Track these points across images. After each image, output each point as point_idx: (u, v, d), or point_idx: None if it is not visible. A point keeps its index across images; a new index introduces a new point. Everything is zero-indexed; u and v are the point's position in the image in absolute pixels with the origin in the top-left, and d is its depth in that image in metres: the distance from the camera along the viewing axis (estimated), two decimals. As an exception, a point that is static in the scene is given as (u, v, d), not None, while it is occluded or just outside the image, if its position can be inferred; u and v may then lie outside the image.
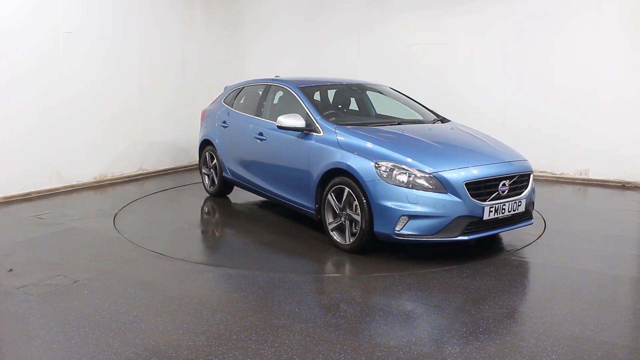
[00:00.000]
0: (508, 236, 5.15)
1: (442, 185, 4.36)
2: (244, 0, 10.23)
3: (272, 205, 6.43)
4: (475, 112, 8.44)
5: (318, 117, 5.25)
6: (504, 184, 4.56)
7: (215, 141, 6.76)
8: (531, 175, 4.88)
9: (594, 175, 7.82)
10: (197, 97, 9.33)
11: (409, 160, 4.49)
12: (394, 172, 4.42)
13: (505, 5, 8.17)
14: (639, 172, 7.50)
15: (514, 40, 8.15)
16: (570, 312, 3.56)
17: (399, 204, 4.35)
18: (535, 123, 8.10)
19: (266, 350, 3.06)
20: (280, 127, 5.32)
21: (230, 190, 6.96)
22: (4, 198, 6.55)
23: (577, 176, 7.94)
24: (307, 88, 5.79)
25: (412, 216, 4.34)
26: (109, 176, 7.88)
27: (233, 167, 6.45)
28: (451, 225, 4.35)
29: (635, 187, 7.45)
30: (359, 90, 6.23)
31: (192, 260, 4.57)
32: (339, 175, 4.78)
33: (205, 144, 7.03)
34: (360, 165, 4.59)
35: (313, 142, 5.13)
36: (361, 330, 3.34)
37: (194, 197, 7.31)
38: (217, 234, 5.67)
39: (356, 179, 4.59)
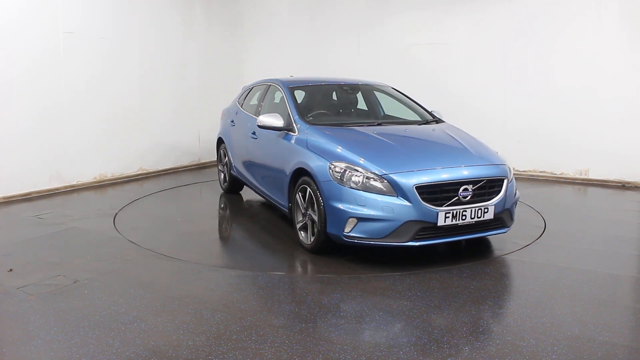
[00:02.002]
0: (508, 236, 5.14)
1: (392, 188, 4.26)
2: (244, 0, 10.24)
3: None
4: (475, 112, 8.44)
5: (296, 117, 5.29)
6: (465, 189, 4.33)
7: (226, 139, 6.98)
8: (505, 181, 4.59)
9: (594, 175, 7.82)
10: (197, 97, 9.36)
11: (362, 161, 4.42)
12: (347, 173, 4.37)
13: (505, 5, 8.17)
14: (639, 172, 7.50)
15: (514, 40, 8.15)
16: (570, 312, 3.56)
17: (348, 205, 4.30)
18: (535, 123, 8.10)
19: (266, 350, 3.06)
20: (259, 126, 5.41)
21: (241, 187, 7.04)
22: (4, 198, 6.55)
23: (577, 176, 7.94)
24: (296, 88, 5.83)
25: (361, 219, 4.26)
26: (109, 176, 7.88)
27: (237, 164, 6.61)
28: (400, 229, 4.21)
29: (635, 187, 7.45)
30: (350, 90, 6.20)
31: (192, 260, 4.57)
32: (304, 175, 4.78)
33: (220, 142, 7.27)
34: (317, 165, 4.59)
35: (288, 141, 5.19)
36: (361, 330, 3.34)
37: (194, 197, 7.33)
38: (218, 234, 5.67)
39: (314, 179, 4.59)
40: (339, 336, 3.24)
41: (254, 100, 6.57)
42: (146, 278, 4.19)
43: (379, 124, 5.40)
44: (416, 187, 4.23)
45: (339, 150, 4.61)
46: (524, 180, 8.08)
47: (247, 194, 7.05)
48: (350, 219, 4.29)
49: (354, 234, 4.32)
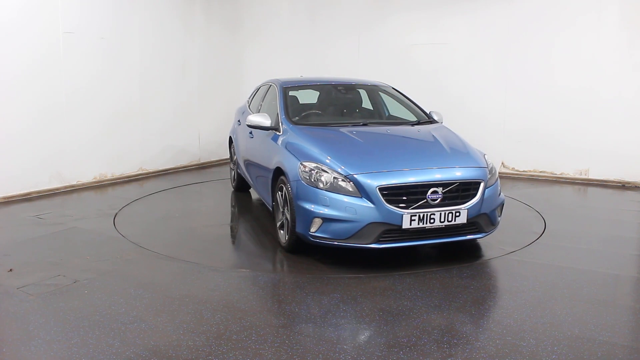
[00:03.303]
0: (508, 236, 5.15)
1: (357, 189, 4.21)
2: (244, 0, 10.24)
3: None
4: (475, 112, 8.45)
5: (283, 117, 5.33)
6: (435, 192, 4.23)
7: (234, 138, 7.13)
8: (482, 184, 4.42)
9: (594, 175, 7.82)
10: (197, 97, 9.35)
11: (329, 161, 4.40)
12: (315, 173, 4.36)
13: (505, 5, 8.17)
14: (639, 172, 7.50)
15: (514, 40, 8.15)
16: (570, 312, 3.56)
17: (314, 205, 4.28)
18: (536, 123, 8.11)
19: (266, 350, 3.06)
20: (248, 125, 5.48)
21: (249, 186, 7.07)
22: (4, 198, 6.55)
23: (577, 176, 7.94)
24: (291, 88, 5.88)
25: (326, 219, 4.23)
26: (109, 176, 7.88)
27: (241, 162, 6.73)
28: (363, 231, 4.16)
29: (635, 187, 7.45)
30: (343, 90, 6.19)
31: (192, 260, 4.57)
32: (282, 174, 4.80)
33: (230, 141, 7.44)
34: (290, 165, 4.61)
35: (274, 141, 5.23)
36: (361, 330, 3.34)
37: (195, 197, 7.33)
38: (219, 234, 5.65)
39: (287, 179, 4.62)
40: (338, 336, 3.24)
41: (258, 100, 6.66)
42: (146, 278, 4.19)
43: (364, 124, 5.34)
44: (379, 189, 4.16)
45: (312, 150, 4.62)
46: (524, 180, 8.08)
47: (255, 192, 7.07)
48: (315, 219, 4.28)
49: (319, 234, 4.31)
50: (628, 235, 5.38)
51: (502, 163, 8.46)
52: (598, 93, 7.64)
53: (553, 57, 7.90)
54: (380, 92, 6.24)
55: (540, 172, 8.21)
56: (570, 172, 8.01)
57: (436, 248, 4.93)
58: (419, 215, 4.17)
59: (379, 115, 6.07)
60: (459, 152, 4.75)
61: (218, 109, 9.75)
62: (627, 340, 3.23)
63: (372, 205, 4.15)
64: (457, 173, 4.40)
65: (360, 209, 4.15)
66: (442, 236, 4.37)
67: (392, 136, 5.11)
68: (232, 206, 6.74)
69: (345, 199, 4.20)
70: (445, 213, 4.23)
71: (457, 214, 4.27)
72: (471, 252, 4.82)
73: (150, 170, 8.53)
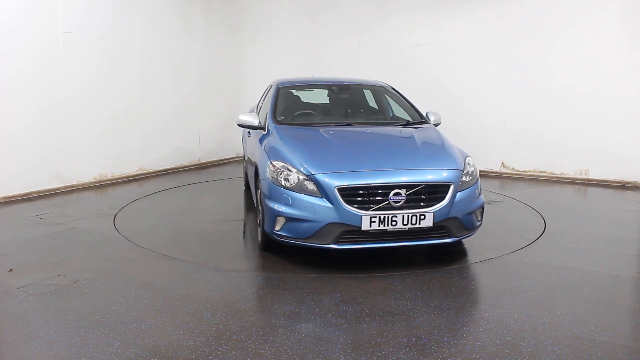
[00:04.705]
0: (508, 236, 5.14)
1: (318, 189, 4.19)
2: (244, 0, 10.24)
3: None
4: (475, 112, 8.46)
5: (270, 116, 5.36)
6: (397, 193, 4.12)
7: (243, 137, 7.16)
8: (451, 187, 4.27)
9: (594, 175, 7.82)
10: (197, 97, 9.35)
11: (295, 161, 4.40)
12: (281, 172, 4.38)
13: (505, 5, 8.17)
14: (639, 172, 7.50)
15: (514, 40, 8.15)
16: (570, 312, 3.56)
17: (278, 204, 4.30)
18: (536, 123, 8.11)
19: (266, 350, 3.06)
20: (238, 125, 5.54)
21: None
22: (4, 198, 6.55)
23: (577, 176, 7.94)
24: (283, 87, 5.92)
25: (289, 218, 4.23)
26: (109, 176, 7.88)
27: (246, 162, 6.76)
28: (323, 231, 4.13)
29: (635, 187, 7.45)
30: (337, 90, 6.18)
31: (192, 260, 4.57)
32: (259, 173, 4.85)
33: (243, 141, 7.48)
34: (262, 164, 4.67)
35: (261, 140, 5.27)
36: (361, 330, 3.34)
37: (195, 197, 7.32)
38: (219, 234, 5.65)
39: (260, 178, 4.67)
40: (339, 336, 3.24)
41: (262, 99, 6.71)
42: (146, 278, 4.19)
43: (347, 125, 5.31)
44: (338, 189, 4.12)
45: (282, 149, 4.65)
46: (524, 180, 8.09)
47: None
48: (278, 218, 4.29)
49: (282, 233, 4.32)
50: (628, 235, 5.38)
51: (502, 163, 8.46)
52: (598, 93, 7.64)
53: (553, 57, 7.90)
54: (384, 93, 6.21)
55: (540, 172, 8.21)
56: (570, 172, 8.01)
57: (436, 248, 4.92)
58: (380, 217, 4.09)
59: (382, 116, 6.02)
60: (433, 153, 4.63)
61: (218, 109, 9.75)
62: (627, 340, 3.23)
63: (331, 206, 4.13)
64: (423, 175, 4.29)
65: (320, 209, 4.14)
66: (407, 239, 4.27)
67: (368, 137, 5.07)
68: (233, 206, 6.73)
69: (307, 198, 4.20)
70: (408, 216, 4.13)
71: (422, 217, 4.16)
72: (471, 252, 4.82)
73: (150, 170, 8.53)
